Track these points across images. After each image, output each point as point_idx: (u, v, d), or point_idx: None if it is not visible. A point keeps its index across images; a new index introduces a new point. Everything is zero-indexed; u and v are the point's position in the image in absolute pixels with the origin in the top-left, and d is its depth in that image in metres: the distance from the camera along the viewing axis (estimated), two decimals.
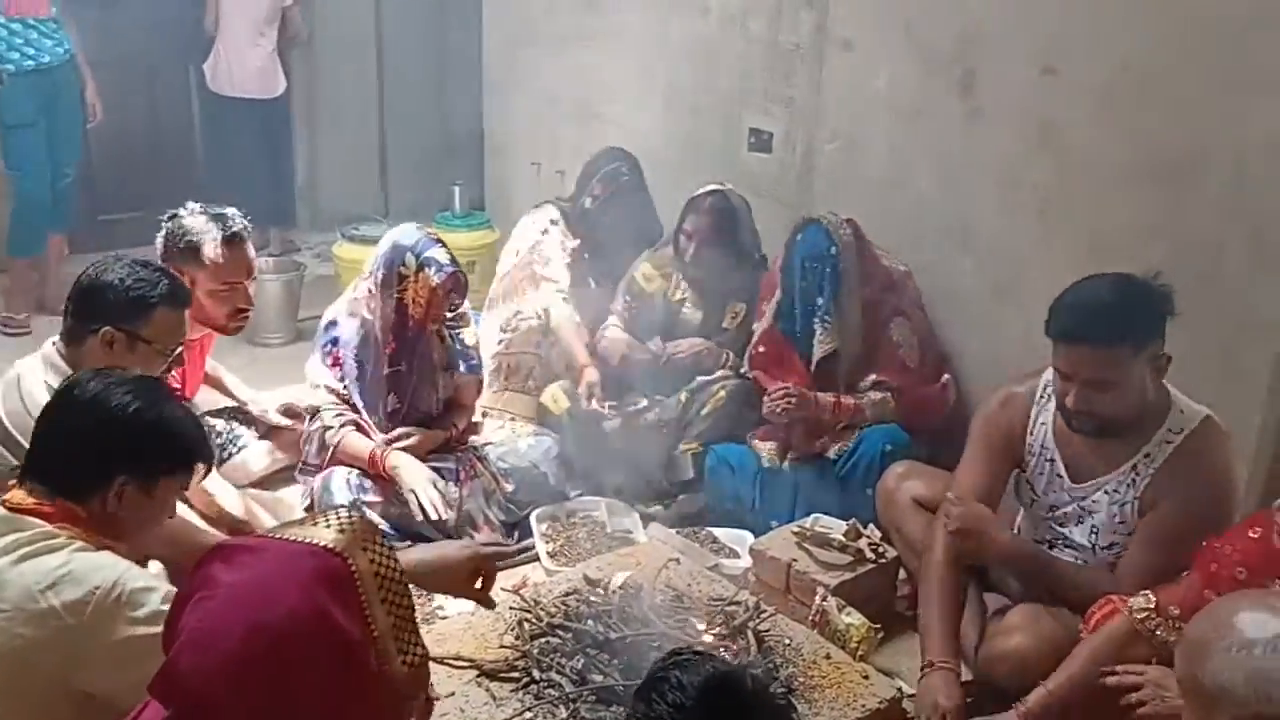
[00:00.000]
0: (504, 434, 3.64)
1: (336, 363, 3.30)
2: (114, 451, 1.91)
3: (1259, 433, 2.92)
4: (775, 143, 4.15)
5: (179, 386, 3.12)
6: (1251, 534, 2.24)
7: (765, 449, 3.53)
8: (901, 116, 3.70)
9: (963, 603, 2.74)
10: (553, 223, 4.09)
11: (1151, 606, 2.30)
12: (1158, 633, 2.28)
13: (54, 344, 2.62)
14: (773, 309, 3.56)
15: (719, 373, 3.73)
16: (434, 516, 3.15)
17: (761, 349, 3.59)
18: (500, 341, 3.98)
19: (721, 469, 3.56)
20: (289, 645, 1.33)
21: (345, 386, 3.31)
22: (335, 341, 3.32)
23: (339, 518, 1.49)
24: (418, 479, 3.19)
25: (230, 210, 3.18)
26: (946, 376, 3.53)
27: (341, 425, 3.28)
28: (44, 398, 2.29)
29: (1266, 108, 2.75)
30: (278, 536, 1.49)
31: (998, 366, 3.24)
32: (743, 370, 3.67)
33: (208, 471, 2.12)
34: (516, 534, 3.35)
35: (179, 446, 1.97)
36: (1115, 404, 2.48)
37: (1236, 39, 2.80)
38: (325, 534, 1.44)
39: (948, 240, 3.59)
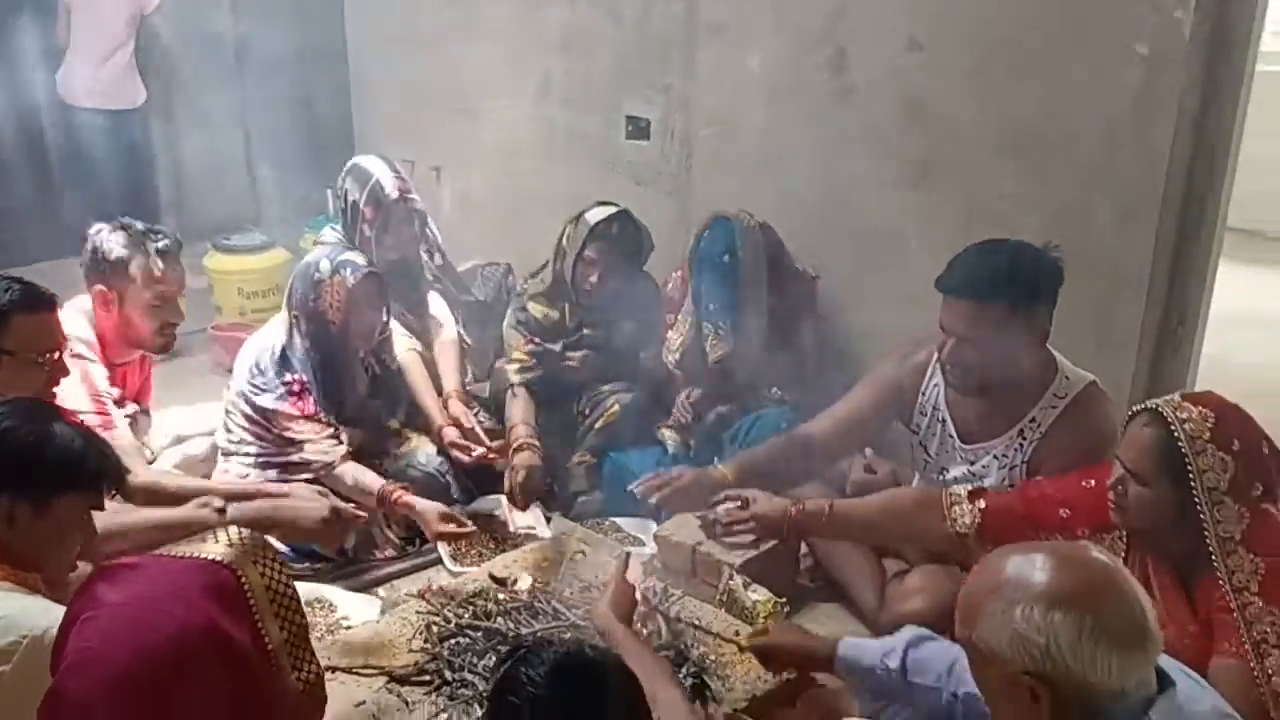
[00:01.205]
0: (404, 445, 3.55)
1: (303, 390, 3.22)
2: None
3: (1130, 390, 3.06)
4: (653, 130, 4.16)
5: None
6: (1084, 484, 2.37)
7: (670, 437, 3.54)
8: (776, 98, 3.75)
9: (768, 480, 2.85)
10: None
11: (965, 494, 2.43)
12: (953, 509, 2.40)
13: None
14: (689, 303, 3.54)
15: (610, 385, 3.68)
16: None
17: (685, 354, 3.58)
18: None
19: (622, 474, 3.50)
20: (178, 663, 1.31)
21: (322, 416, 3.24)
22: (288, 367, 3.24)
23: (228, 534, 1.47)
24: (431, 521, 3.10)
25: (160, 226, 3.17)
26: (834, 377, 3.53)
27: (340, 457, 3.21)
28: None
29: (1129, 76, 2.86)
30: (164, 554, 1.46)
31: (878, 339, 3.30)
32: (671, 364, 3.63)
33: (119, 489, 2.06)
34: (417, 541, 3.29)
35: (60, 465, 1.90)
36: (984, 361, 2.55)
37: (1097, 9, 2.90)
38: (215, 548, 1.43)
39: (827, 219, 3.64)
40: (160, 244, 3.09)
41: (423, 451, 3.48)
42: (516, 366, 3.68)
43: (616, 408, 3.60)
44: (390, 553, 3.27)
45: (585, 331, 3.71)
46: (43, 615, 1.77)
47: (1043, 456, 2.62)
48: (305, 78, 5.75)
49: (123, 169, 5.57)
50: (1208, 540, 2.09)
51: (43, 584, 1.89)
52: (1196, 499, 2.07)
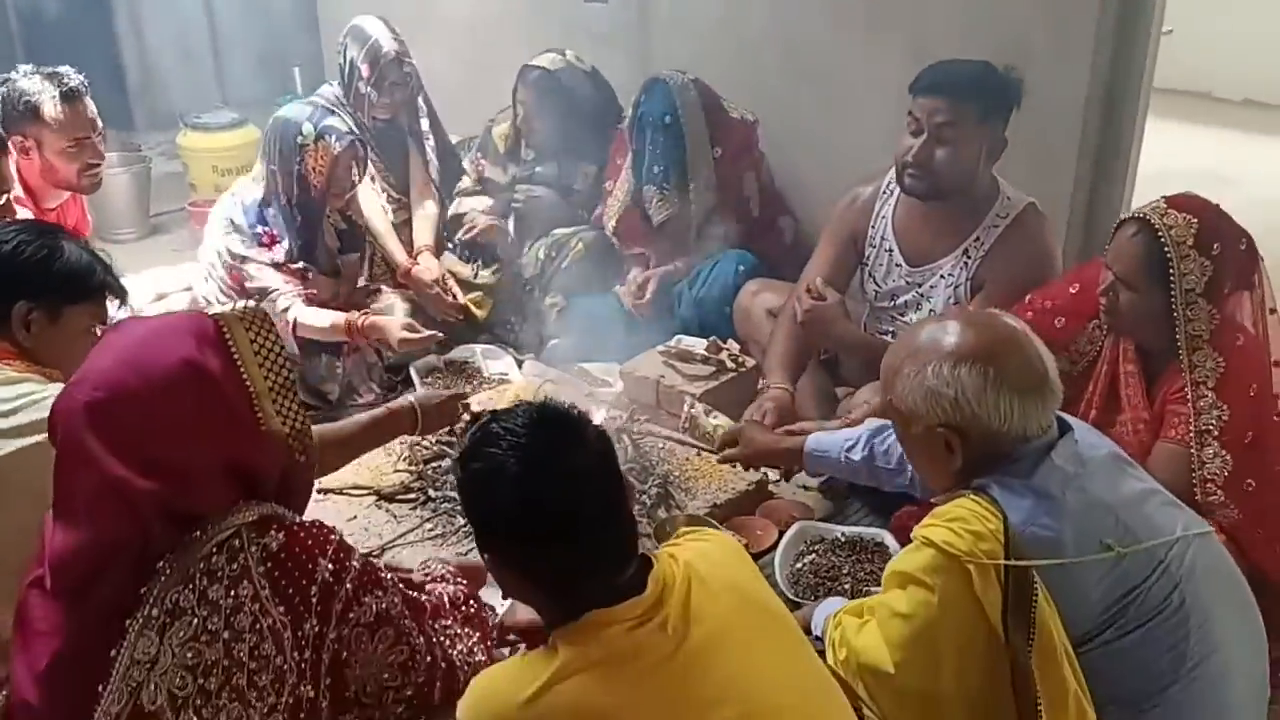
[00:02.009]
0: (381, 304, 3.68)
1: (274, 241, 3.33)
2: (6, 283, 2.04)
3: (1068, 218, 3.23)
4: None
5: None
6: (1071, 289, 2.54)
7: (628, 296, 3.71)
8: None
9: (799, 358, 3.03)
10: None
11: None
12: None
13: None
14: (627, 170, 3.67)
15: (572, 227, 3.84)
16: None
17: (621, 218, 3.72)
18: None
19: (588, 319, 3.70)
20: (153, 383, 1.49)
21: (295, 259, 3.35)
22: (264, 222, 3.34)
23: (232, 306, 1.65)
24: (394, 331, 3.27)
25: (65, 68, 3.15)
26: (782, 221, 3.76)
27: (291, 303, 3.30)
28: None
29: None
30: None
31: (832, 180, 3.43)
32: (608, 231, 3.78)
33: (121, 301, 2.23)
34: (399, 386, 3.49)
35: (68, 276, 2.08)
36: (950, 163, 2.71)
37: None
38: (215, 310, 1.61)
39: (785, 68, 3.77)
40: (66, 87, 3.11)
41: (399, 308, 3.64)
42: (482, 208, 3.88)
43: (580, 246, 3.75)
44: (372, 398, 3.43)
45: (537, 169, 3.87)
46: None
47: (985, 274, 2.80)
48: None
49: (89, 56, 5.56)
50: (1178, 336, 2.26)
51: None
52: (1173, 298, 2.23)
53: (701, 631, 1.46)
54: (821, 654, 1.83)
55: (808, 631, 2.05)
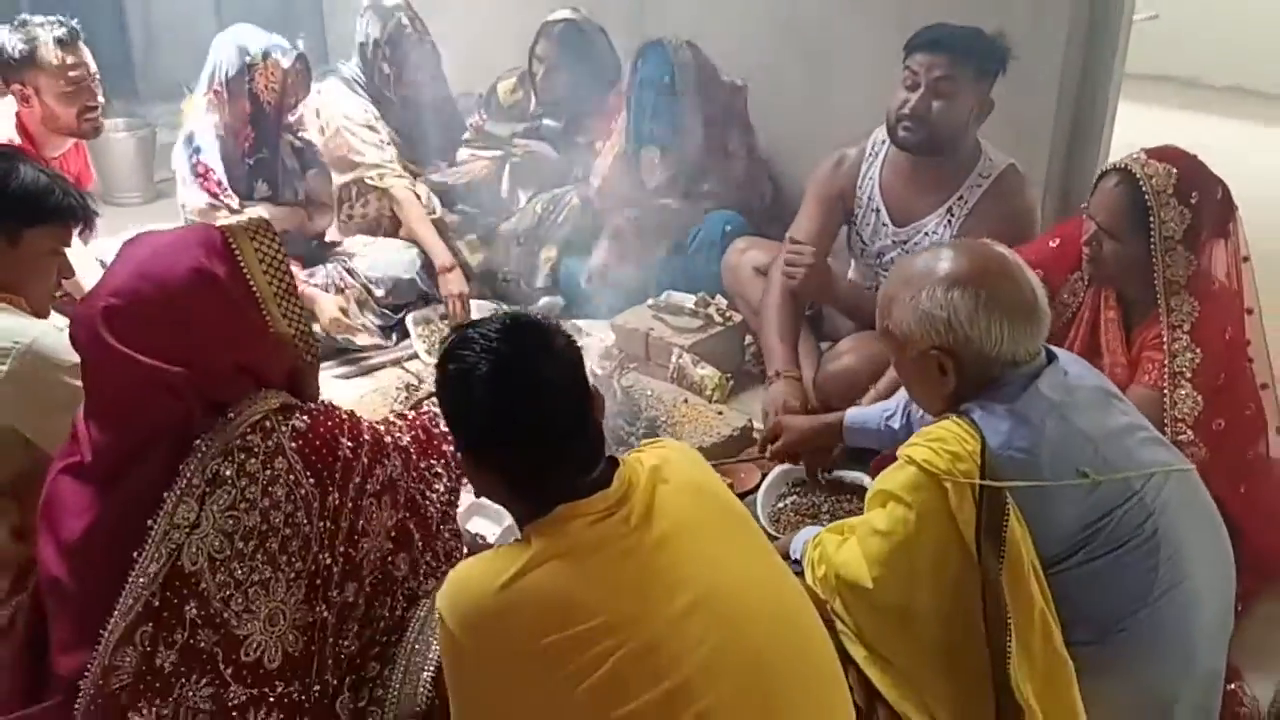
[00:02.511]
0: (373, 247, 3.78)
1: (207, 171, 3.37)
2: None
3: (1044, 193, 3.31)
4: None
5: None
6: (1051, 244, 2.60)
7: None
8: None
9: (798, 331, 3.08)
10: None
11: None
12: None
13: None
14: (621, 130, 3.74)
15: (567, 186, 3.90)
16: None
17: (606, 180, 3.79)
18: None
19: (577, 276, 3.78)
20: (169, 291, 1.60)
21: (223, 193, 3.38)
22: (198, 151, 3.39)
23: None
24: (327, 310, 3.37)
25: (55, 16, 3.22)
26: (764, 184, 3.85)
27: None
28: None
29: None
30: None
31: (818, 143, 3.47)
32: (593, 192, 3.84)
33: (87, 226, 2.20)
34: (395, 336, 3.56)
35: (24, 198, 2.05)
36: (945, 116, 2.78)
37: None
38: (221, 222, 1.68)
39: (777, 37, 3.84)
40: (57, 33, 3.15)
41: (392, 252, 3.71)
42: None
43: (577, 200, 3.81)
44: (368, 340, 3.50)
45: (545, 121, 3.91)
46: (31, 326, 2.01)
47: (968, 230, 2.86)
48: None
49: (96, 27, 5.58)
50: (1156, 282, 2.32)
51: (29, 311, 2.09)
52: (1152, 245, 2.30)
53: (663, 526, 1.52)
54: (798, 576, 1.86)
55: (785, 558, 2.11)
